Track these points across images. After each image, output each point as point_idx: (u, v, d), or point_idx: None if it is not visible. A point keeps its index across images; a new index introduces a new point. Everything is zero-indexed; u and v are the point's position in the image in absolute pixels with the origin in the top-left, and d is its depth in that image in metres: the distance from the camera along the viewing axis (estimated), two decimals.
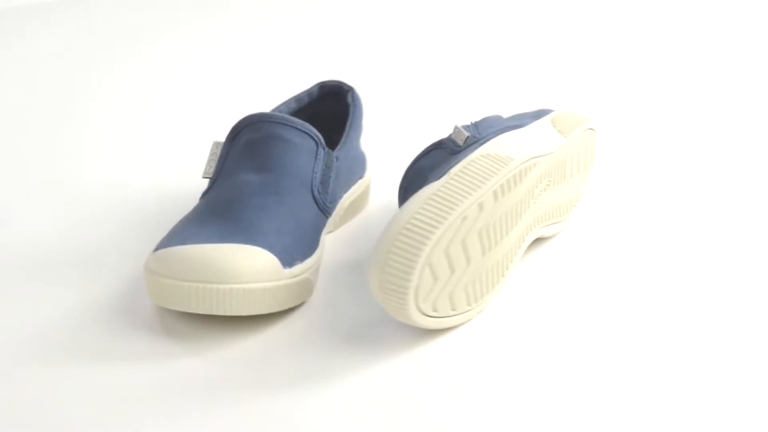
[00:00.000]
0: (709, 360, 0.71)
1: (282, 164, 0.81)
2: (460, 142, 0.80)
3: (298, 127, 0.82)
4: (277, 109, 0.94)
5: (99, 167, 1.10)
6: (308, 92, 0.96)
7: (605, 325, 0.76)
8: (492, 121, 0.84)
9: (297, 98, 0.95)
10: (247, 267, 0.73)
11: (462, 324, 0.76)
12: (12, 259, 0.86)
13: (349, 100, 0.94)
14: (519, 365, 0.71)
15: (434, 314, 0.72)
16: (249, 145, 0.82)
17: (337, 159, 0.86)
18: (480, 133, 0.81)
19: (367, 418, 0.65)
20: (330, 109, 0.96)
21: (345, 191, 0.90)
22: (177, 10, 1.92)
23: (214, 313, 0.72)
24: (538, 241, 0.87)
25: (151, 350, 0.73)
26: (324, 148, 0.83)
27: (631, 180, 1.02)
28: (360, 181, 0.93)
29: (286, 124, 0.82)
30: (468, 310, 0.75)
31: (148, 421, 0.65)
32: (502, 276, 0.79)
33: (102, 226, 0.92)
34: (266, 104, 1.18)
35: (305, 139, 0.82)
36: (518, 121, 0.84)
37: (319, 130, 0.95)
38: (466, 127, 0.82)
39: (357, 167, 0.92)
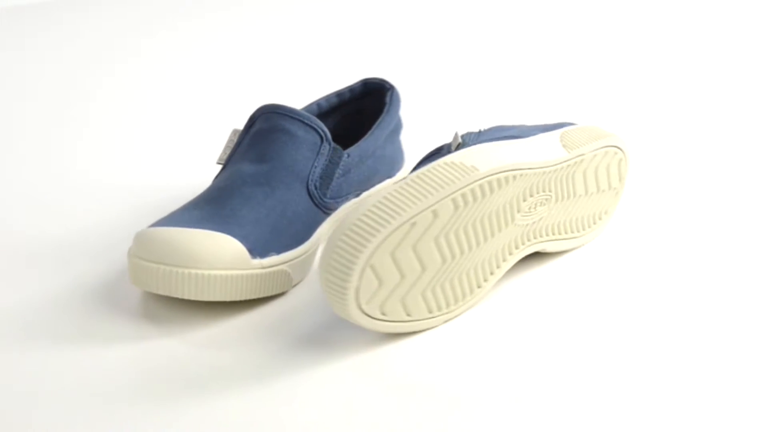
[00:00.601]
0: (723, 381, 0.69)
1: (279, 156, 0.83)
2: (453, 149, 0.80)
3: (304, 120, 0.84)
4: (317, 102, 0.95)
5: (98, 166, 1.13)
6: (350, 88, 0.97)
7: (583, 335, 0.75)
8: (497, 130, 0.83)
9: (338, 93, 0.97)
10: (211, 253, 0.75)
11: (426, 330, 0.76)
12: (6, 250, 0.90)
13: (387, 99, 0.94)
14: (499, 367, 0.71)
15: (384, 317, 0.72)
16: (256, 135, 0.85)
17: (348, 156, 0.87)
18: (477, 140, 0.81)
19: (333, 405, 0.68)
20: (372, 107, 0.97)
21: (363, 189, 0.91)
22: (177, 9, 1.95)
23: (177, 296, 0.75)
24: (543, 255, 0.85)
25: (129, 332, 0.76)
26: (329, 144, 0.85)
27: (656, 197, 0.99)
28: (388, 180, 0.94)
29: (293, 117, 0.84)
30: (429, 317, 0.75)
31: (122, 396, 0.69)
32: (478, 287, 0.78)
33: (100, 221, 0.95)
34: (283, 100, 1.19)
35: (309, 133, 0.84)
36: (524, 132, 0.83)
37: (359, 127, 0.96)
38: (467, 135, 0.82)
39: (383, 167, 0.93)
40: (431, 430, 0.65)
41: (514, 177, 0.76)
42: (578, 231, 0.86)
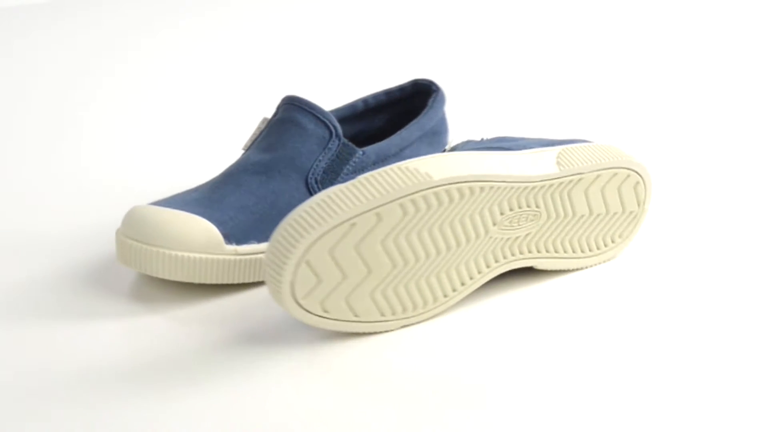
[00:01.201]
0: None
1: (284, 146, 0.85)
2: None
3: (316, 113, 0.86)
4: (363, 99, 0.97)
5: (98, 165, 1.15)
6: (401, 87, 0.98)
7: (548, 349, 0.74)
8: (496, 141, 0.83)
9: (387, 91, 0.98)
10: (182, 234, 0.79)
11: (380, 333, 0.76)
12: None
13: (429, 101, 0.95)
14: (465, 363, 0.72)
15: (326, 315, 0.74)
16: (273, 125, 0.87)
17: (363, 154, 0.88)
18: (464, 148, 0.80)
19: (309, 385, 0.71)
20: (420, 107, 0.97)
21: None
22: (177, 8, 1.92)
23: (149, 273, 0.79)
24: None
25: (118, 310, 0.81)
26: (339, 139, 0.86)
27: (678, 218, 0.95)
28: None
29: (305, 109, 0.86)
30: (382, 320, 0.76)
31: (111, 370, 0.73)
32: (445, 296, 0.78)
33: (99, 219, 0.97)
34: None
35: (319, 127, 0.85)
36: (521, 145, 0.81)
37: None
38: (463, 143, 0.82)
39: None
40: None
41: (481, 188, 0.75)
42: (582, 252, 0.84)
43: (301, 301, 0.72)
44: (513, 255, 0.80)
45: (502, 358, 0.73)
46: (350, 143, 0.87)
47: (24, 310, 0.81)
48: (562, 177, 0.80)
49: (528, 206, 0.79)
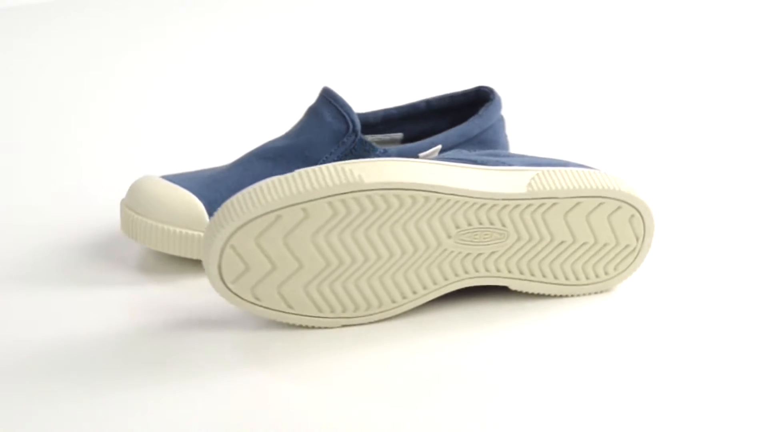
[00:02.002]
0: None
1: (299, 135, 0.88)
2: None
3: (338, 106, 0.87)
4: (427, 100, 0.96)
5: (98, 165, 1.16)
6: (464, 92, 0.97)
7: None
8: (484, 153, 0.81)
9: (452, 95, 0.97)
10: (166, 206, 0.83)
11: (322, 328, 0.78)
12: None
13: (481, 109, 0.94)
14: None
15: (258, 302, 0.76)
16: (305, 112, 0.90)
17: (384, 152, 0.88)
18: (437, 157, 0.80)
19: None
20: None
21: None
22: (177, 9, 1.81)
23: (138, 242, 0.85)
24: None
25: (123, 279, 0.87)
26: (356, 135, 0.87)
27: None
28: None
29: (329, 101, 0.88)
30: (320, 317, 0.77)
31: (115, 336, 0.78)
32: (393, 302, 0.78)
33: (98, 217, 0.99)
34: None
35: (338, 121, 0.87)
36: (500, 162, 0.80)
37: None
38: (456, 152, 0.82)
39: None
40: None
41: (426, 198, 0.75)
42: (567, 279, 0.81)
43: (231, 285, 0.75)
44: (477, 271, 0.79)
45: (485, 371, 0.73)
46: (370, 142, 0.88)
47: (34, 278, 0.88)
48: (531, 199, 0.77)
49: (491, 224, 0.77)
